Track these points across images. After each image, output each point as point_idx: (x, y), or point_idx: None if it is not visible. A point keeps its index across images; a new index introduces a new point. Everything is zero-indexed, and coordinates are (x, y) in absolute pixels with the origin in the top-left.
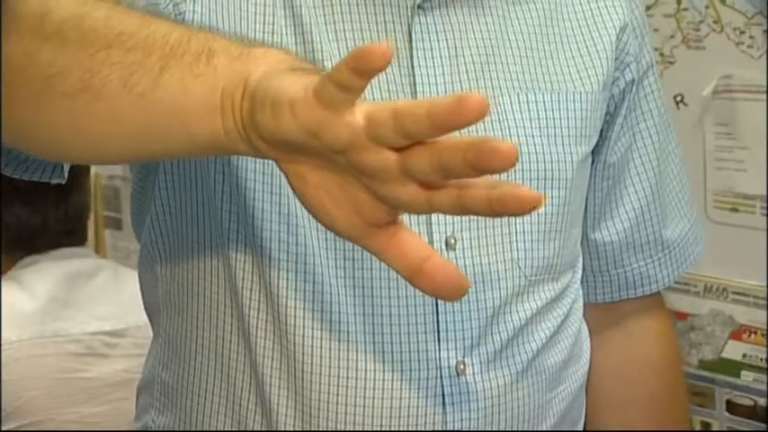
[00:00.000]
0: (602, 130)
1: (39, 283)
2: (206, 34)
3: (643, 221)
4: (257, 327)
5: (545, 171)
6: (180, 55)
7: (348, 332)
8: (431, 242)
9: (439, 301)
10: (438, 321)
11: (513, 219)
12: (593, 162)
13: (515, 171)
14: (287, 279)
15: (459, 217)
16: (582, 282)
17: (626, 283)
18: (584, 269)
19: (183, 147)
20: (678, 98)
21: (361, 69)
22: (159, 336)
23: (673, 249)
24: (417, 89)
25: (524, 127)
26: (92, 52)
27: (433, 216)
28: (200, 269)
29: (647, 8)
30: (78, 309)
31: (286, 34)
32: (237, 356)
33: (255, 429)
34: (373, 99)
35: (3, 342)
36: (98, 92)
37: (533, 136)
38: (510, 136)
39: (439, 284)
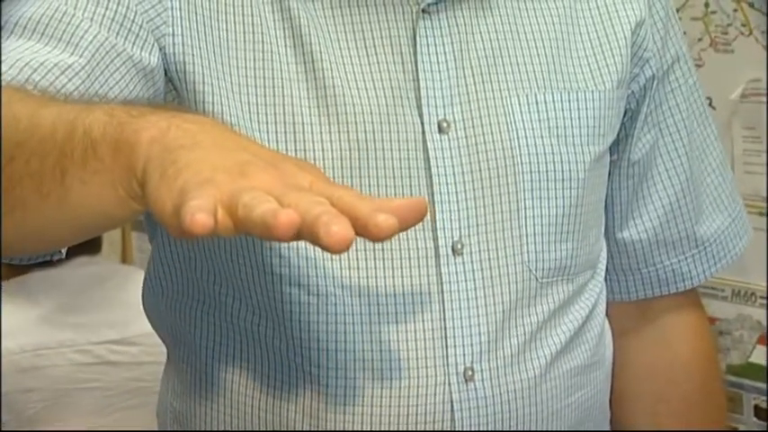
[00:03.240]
0: (623, 128)
1: (45, 291)
2: (83, 117)
3: (673, 218)
4: (265, 342)
5: (555, 172)
6: (70, 154)
7: (354, 341)
8: (436, 248)
9: (446, 306)
10: (445, 327)
11: (524, 221)
12: (616, 160)
13: (524, 173)
14: (290, 293)
15: (466, 221)
16: (612, 280)
17: (658, 280)
18: (613, 268)
19: (120, 223)
20: (706, 102)
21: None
22: (170, 360)
23: (709, 245)
24: (422, 94)
25: (533, 128)
26: (3, 166)
27: (438, 221)
28: (209, 303)
29: None
30: (85, 317)
31: (279, 45)
32: (248, 380)
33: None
34: (378, 106)
35: (8, 353)
36: (23, 206)
37: (542, 137)
38: (518, 138)
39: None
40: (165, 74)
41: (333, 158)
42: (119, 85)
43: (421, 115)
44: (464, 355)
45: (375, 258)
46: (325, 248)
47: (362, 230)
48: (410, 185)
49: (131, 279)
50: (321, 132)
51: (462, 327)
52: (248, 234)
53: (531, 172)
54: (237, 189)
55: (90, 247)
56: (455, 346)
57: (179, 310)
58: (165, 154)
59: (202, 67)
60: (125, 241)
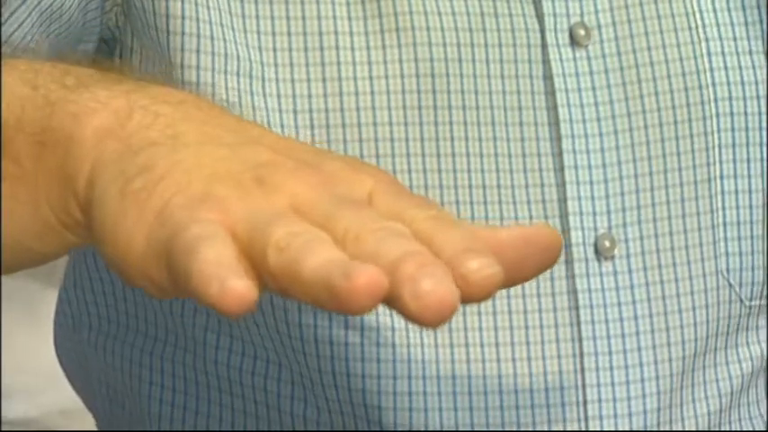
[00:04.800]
0: None
1: None
2: None
3: None
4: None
5: None
6: None
7: (428, 409)
8: (568, 246)
9: (585, 347)
10: (584, 384)
11: (716, 205)
12: None
13: (718, 116)
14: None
15: (618, 203)
16: None
17: None
18: None
19: (46, 260)
20: None
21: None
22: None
23: None
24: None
25: (734, 38)
26: None
27: (570, 203)
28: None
29: None
30: None
31: None
32: None
33: None
34: (466, 8)
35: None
36: None
37: (751, 53)
38: (709, 55)
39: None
40: None
41: (387, 93)
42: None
43: (540, 15)
44: (615, 430)
45: None
46: (411, 318)
47: None
48: (517, 142)
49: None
50: (369, 50)
51: (613, 382)
52: (287, 298)
53: (731, 114)
54: (255, 213)
55: None
56: (600, 417)
57: (123, 356)
58: (128, 156)
59: None
60: None
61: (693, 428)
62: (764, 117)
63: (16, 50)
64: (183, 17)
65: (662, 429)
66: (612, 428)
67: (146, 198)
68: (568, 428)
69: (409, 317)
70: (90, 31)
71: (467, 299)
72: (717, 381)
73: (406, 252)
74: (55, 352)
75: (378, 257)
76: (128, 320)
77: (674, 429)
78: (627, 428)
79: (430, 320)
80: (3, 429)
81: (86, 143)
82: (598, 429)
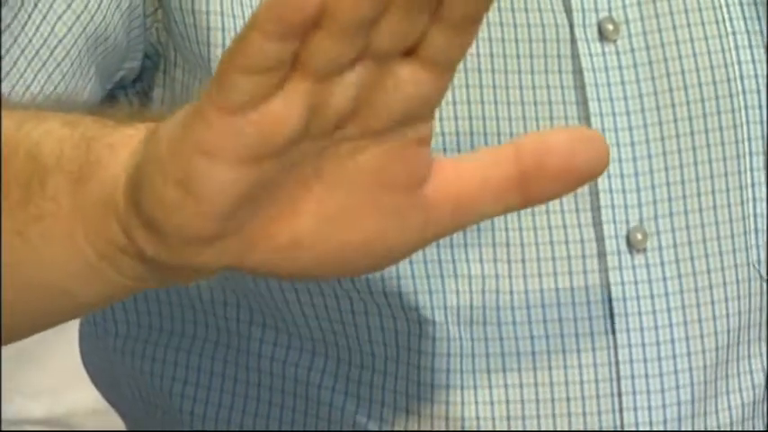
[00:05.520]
0: None
1: None
2: (28, 129)
3: None
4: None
5: None
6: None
7: (464, 397)
8: (599, 241)
9: (618, 340)
10: (618, 376)
11: (747, 196)
12: None
13: (746, 109)
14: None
15: (649, 195)
16: None
17: None
18: None
19: (90, 308)
20: None
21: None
22: None
23: None
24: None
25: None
26: None
27: (602, 195)
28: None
29: None
30: None
31: None
32: None
33: None
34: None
35: None
36: None
37: None
38: (737, 48)
39: (582, 160)
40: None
41: None
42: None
43: (569, 10)
44: (650, 422)
45: (495, 260)
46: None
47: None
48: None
49: None
50: None
51: (647, 374)
52: None
53: (759, 107)
54: None
55: None
56: (635, 408)
57: (155, 358)
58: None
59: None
60: None
61: (727, 419)
62: None
63: (62, 102)
64: (223, 29)
65: (695, 420)
66: (647, 420)
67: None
68: (603, 421)
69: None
70: (134, 48)
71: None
72: (750, 372)
73: None
74: (81, 359)
75: None
76: (161, 322)
77: (707, 421)
78: (661, 420)
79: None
80: (29, 429)
81: (121, 160)
82: (632, 421)
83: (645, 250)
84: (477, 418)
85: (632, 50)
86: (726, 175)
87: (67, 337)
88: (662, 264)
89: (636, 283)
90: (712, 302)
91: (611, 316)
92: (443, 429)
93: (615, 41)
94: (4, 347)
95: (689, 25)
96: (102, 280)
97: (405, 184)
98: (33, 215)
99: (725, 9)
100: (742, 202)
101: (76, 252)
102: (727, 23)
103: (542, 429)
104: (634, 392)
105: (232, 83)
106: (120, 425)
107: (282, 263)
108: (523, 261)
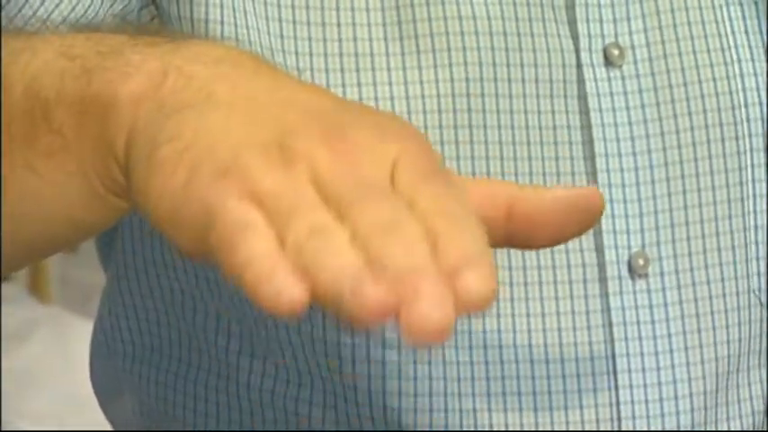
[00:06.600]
0: None
1: None
2: (24, 61)
3: None
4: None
5: None
6: (3, 127)
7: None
8: (600, 266)
9: (618, 365)
10: (618, 401)
11: (749, 223)
12: None
13: (750, 136)
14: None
15: (651, 221)
16: None
17: None
18: None
19: (94, 232)
20: None
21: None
22: None
23: None
24: (576, 1)
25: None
26: None
27: (605, 221)
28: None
29: None
30: None
31: None
32: None
33: None
34: (502, 21)
35: None
36: None
37: None
38: (741, 76)
39: (572, 233)
40: None
41: (423, 112)
42: None
43: (575, 36)
44: None
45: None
46: (404, 337)
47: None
48: (552, 161)
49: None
50: (405, 69)
51: (647, 399)
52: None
53: (764, 135)
54: (276, 193)
55: None
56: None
57: (158, 381)
58: (159, 121)
59: None
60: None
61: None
62: None
63: (45, 26)
64: (222, 22)
65: None
66: (643, 419)
67: (171, 170)
68: None
69: (403, 337)
70: None
71: (462, 312)
72: (750, 399)
73: (410, 267)
74: (90, 378)
75: (384, 260)
76: (161, 345)
77: None
78: (662, 421)
79: (419, 343)
80: None
81: (122, 109)
82: None
83: (646, 275)
84: None
85: (638, 76)
86: (729, 201)
87: (70, 363)
88: (663, 289)
89: (637, 308)
90: (713, 328)
91: (612, 341)
92: None
93: (621, 67)
94: (5, 373)
95: (695, 52)
96: (107, 207)
97: None
98: (43, 151)
99: (731, 37)
100: (745, 230)
101: (88, 185)
102: (733, 51)
103: None
104: (633, 417)
105: None
106: None
107: None
108: (525, 284)
